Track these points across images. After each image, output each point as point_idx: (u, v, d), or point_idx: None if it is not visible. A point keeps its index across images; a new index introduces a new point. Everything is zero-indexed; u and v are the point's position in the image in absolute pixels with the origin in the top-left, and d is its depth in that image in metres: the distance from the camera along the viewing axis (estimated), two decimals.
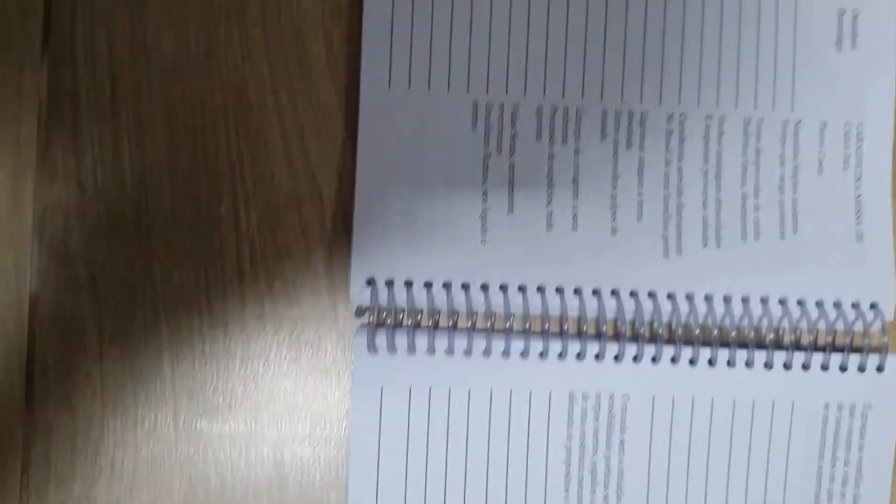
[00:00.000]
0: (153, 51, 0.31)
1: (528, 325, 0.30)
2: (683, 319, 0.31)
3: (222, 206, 0.31)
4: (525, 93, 0.31)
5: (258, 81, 0.31)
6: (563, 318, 0.30)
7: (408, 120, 0.31)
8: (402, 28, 0.31)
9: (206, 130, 0.31)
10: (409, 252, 0.30)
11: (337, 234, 0.31)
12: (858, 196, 0.32)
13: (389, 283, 0.30)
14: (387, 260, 0.30)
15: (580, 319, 0.31)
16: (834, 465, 0.31)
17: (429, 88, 0.31)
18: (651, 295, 0.31)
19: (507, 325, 0.30)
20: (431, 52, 0.31)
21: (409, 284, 0.30)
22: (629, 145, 0.31)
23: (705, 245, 0.31)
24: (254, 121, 0.31)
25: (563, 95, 0.31)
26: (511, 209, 0.31)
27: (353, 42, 0.31)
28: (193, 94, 0.31)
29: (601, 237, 0.31)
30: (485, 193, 0.31)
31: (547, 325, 0.30)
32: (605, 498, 0.31)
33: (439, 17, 0.31)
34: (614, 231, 0.31)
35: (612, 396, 0.31)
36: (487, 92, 0.31)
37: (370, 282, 0.30)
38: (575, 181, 0.31)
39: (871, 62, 0.32)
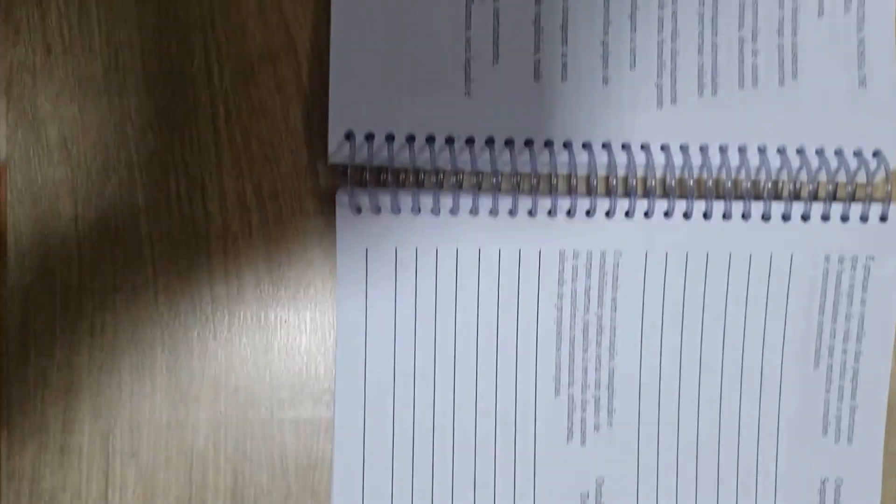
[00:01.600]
0: None
1: (516, 182, 0.29)
2: (678, 172, 0.29)
3: (194, 62, 0.29)
4: None
5: None
6: (552, 174, 0.29)
7: None
8: None
9: None
10: (389, 104, 0.29)
11: (314, 90, 0.30)
12: (861, 39, 0.30)
13: (369, 137, 0.29)
14: (366, 112, 0.29)
15: (570, 174, 0.29)
16: (835, 321, 0.30)
17: None
18: (644, 147, 0.29)
19: (495, 181, 0.29)
20: None
21: (390, 139, 0.29)
22: None
23: (701, 94, 0.30)
24: None
25: None
26: (496, 58, 0.29)
27: None
28: None
29: (592, 87, 0.29)
30: (468, 41, 0.29)
31: (536, 181, 0.29)
32: (598, 357, 0.30)
33: None
34: (606, 80, 0.29)
35: (603, 253, 0.30)
36: None
37: (349, 136, 0.29)
38: (563, 27, 0.29)
39: None
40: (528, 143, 0.29)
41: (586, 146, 0.29)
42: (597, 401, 0.30)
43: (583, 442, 0.30)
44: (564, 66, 0.29)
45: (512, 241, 0.29)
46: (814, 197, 0.30)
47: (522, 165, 0.29)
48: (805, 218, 0.30)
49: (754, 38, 0.30)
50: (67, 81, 0.29)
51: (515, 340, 0.30)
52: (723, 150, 0.29)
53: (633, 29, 0.30)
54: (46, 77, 0.29)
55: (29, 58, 0.29)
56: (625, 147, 0.29)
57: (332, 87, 0.29)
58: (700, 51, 0.30)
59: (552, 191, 0.29)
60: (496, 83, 0.29)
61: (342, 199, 0.29)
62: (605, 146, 0.29)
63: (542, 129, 0.29)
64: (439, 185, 0.29)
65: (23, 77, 0.29)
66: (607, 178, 0.30)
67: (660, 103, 0.30)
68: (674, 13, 0.30)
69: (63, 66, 0.29)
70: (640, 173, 0.29)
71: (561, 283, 0.30)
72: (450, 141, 0.29)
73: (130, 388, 0.30)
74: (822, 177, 0.30)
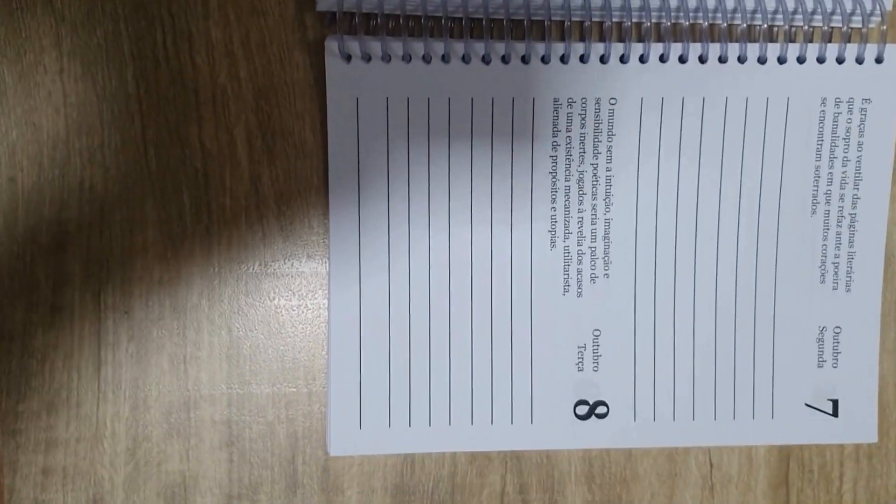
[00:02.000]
0: None
1: (509, 27, 0.29)
2: (672, 15, 0.29)
3: None
4: None
5: None
6: (546, 18, 0.29)
7: None
8: None
9: None
10: None
11: None
12: None
13: None
14: None
15: (564, 20, 0.29)
16: (832, 166, 0.30)
17: None
18: None
19: (484, 24, 0.29)
20: None
21: None
22: None
23: None
24: None
25: None
26: None
27: None
28: None
29: None
30: None
31: (528, 25, 0.28)
32: (594, 207, 0.30)
33: None
34: None
35: (598, 100, 0.29)
36: None
37: None
38: None
39: None
40: None
41: None
42: (593, 252, 0.30)
43: (579, 294, 0.30)
44: None
45: (505, 90, 0.29)
46: (809, 39, 0.29)
47: (515, 10, 0.29)
48: (801, 60, 0.29)
49: None
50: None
51: (510, 191, 0.30)
52: None
53: None
54: None
55: None
56: None
57: None
58: None
59: (545, 36, 0.29)
60: None
61: (331, 46, 0.28)
62: None
63: None
64: (430, 32, 0.29)
65: None
66: (601, 23, 0.29)
67: None
68: None
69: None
70: (634, 17, 0.29)
71: (555, 132, 0.29)
72: None
73: (121, 244, 0.29)
74: (818, 20, 0.29)
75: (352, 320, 0.29)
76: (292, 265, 0.30)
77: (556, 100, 0.29)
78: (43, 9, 0.29)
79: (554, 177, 0.30)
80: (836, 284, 0.30)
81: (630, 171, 0.30)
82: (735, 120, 0.29)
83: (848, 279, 0.30)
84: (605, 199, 0.30)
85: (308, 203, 0.30)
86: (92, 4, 0.29)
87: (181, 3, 0.29)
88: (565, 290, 0.30)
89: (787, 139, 0.30)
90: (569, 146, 0.30)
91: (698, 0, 0.29)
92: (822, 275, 0.30)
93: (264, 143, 0.29)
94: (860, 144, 0.30)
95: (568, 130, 0.29)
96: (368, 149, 0.29)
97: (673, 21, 0.29)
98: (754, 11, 0.29)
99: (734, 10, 0.29)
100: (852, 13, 0.29)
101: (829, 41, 0.29)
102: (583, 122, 0.29)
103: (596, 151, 0.30)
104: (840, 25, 0.29)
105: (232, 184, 0.29)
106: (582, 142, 0.30)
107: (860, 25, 0.29)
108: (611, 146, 0.30)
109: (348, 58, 0.28)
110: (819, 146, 0.30)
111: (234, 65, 0.29)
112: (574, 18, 0.29)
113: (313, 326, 0.30)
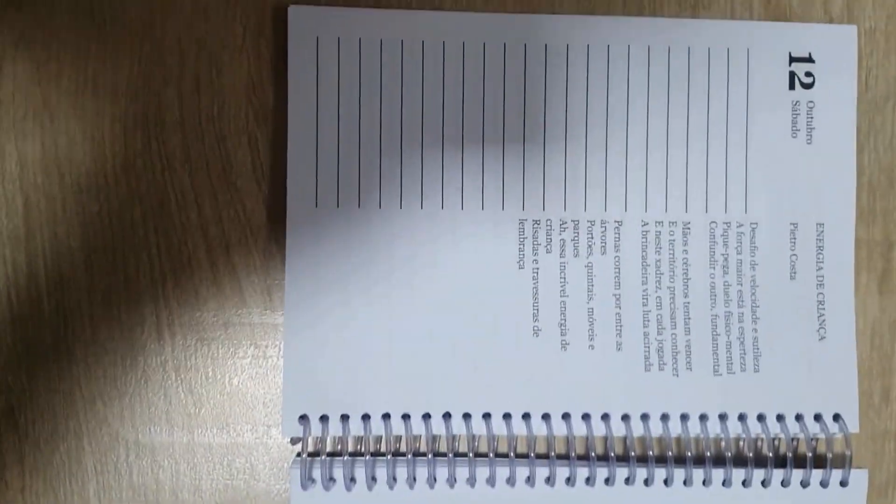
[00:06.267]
0: (66, 165, 0.29)
1: (473, 450, 0.29)
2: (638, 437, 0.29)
3: (145, 330, 0.29)
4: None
5: (179, 193, 0.29)
6: (509, 443, 0.29)
7: (338, 238, 0.29)
8: (328, 138, 0.29)
9: (125, 248, 0.29)
10: (345, 383, 0.28)
11: (269, 359, 0.29)
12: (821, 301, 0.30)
13: (324, 419, 0.28)
14: (321, 392, 0.28)
15: (529, 443, 0.29)
16: None
17: (359, 206, 0.29)
18: (604, 417, 0.29)
19: (451, 449, 0.29)
20: (360, 168, 0.29)
21: (345, 418, 0.28)
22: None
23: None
24: (176, 236, 0.29)
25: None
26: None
27: (279, 148, 0.29)
28: (111, 209, 0.29)
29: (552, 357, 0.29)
30: None
31: (493, 449, 0.29)
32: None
33: (366, 126, 0.29)
34: (563, 347, 0.29)
35: None
36: (422, 208, 0.29)
37: (303, 418, 0.28)
38: None
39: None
40: (486, 416, 0.29)
41: (545, 417, 0.29)
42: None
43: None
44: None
45: None
46: (775, 460, 0.29)
47: (478, 432, 0.29)
48: (765, 484, 0.29)
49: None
50: (16, 349, 0.29)
51: None
52: (684, 418, 0.29)
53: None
54: None
55: None
56: (585, 417, 0.29)
57: (285, 367, 0.28)
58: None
59: (510, 458, 0.29)
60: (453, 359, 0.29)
61: (295, 472, 0.28)
62: (565, 416, 0.29)
63: (499, 403, 0.29)
64: (395, 455, 0.29)
65: None
66: (567, 444, 0.29)
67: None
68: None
69: (11, 334, 0.29)
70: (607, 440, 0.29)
71: None
72: (406, 417, 0.29)
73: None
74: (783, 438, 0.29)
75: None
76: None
77: None
78: (9, 426, 0.29)
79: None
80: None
81: None
82: None
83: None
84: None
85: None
86: (56, 422, 0.29)
87: (146, 422, 0.29)
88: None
89: None
90: None
91: (663, 426, 0.29)
92: None
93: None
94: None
95: None
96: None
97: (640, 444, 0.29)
98: (719, 434, 0.29)
99: (699, 435, 0.29)
100: (817, 435, 0.29)
101: (795, 461, 0.29)
102: None
103: None
104: (805, 445, 0.29)
105: None
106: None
107: (824, 448, 0.29)
108: None
109: (313, 482, 0.28)
110: None
111: (199, 487, 0.29)
112: (538, 438, 0.29)
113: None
